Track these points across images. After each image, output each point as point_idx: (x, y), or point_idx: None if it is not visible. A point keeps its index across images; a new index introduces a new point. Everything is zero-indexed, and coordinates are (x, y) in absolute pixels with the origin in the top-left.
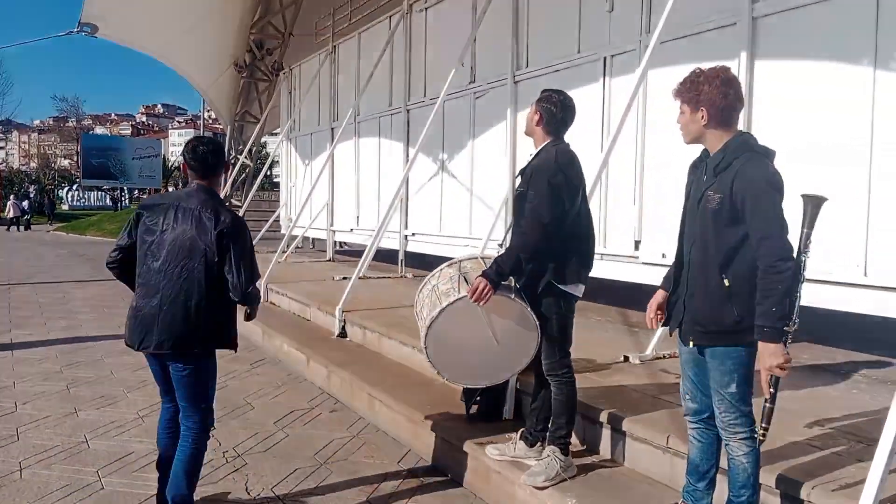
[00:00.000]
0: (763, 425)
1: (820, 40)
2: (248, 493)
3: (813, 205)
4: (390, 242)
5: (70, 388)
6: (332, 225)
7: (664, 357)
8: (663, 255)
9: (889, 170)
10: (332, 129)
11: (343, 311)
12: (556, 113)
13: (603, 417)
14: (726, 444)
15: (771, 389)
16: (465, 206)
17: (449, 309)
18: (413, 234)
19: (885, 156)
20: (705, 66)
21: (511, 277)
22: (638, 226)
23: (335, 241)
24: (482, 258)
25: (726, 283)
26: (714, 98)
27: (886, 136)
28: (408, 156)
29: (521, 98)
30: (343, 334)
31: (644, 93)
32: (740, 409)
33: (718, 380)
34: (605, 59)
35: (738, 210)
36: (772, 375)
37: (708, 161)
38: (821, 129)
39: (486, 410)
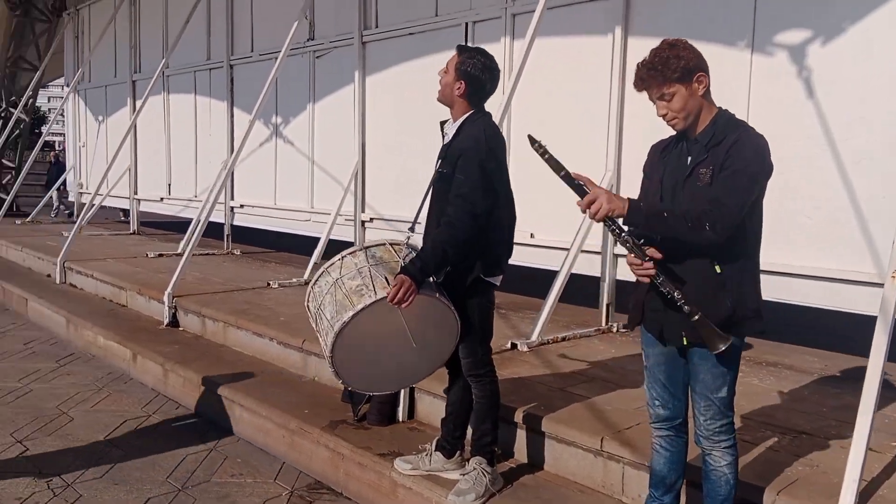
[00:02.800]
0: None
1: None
2: None
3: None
4: (213, 215)
5: None
6: (135, 193)
7: (549, 342)
8: (531, 236)
9: None
10: (134, 81)
11: (173, 297)
12: (483, 80)
13: (518, 417)
14: (708, 454)
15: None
16: (304, 177)
17: (364, 312)
18: (241, 207)
19: None
20: (579, 40)
21: None
22: None
23: (121, 210)
24: (391, 244)
25: (717, 269)
26: (702, 64)
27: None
28: (232, 117)
29: (371, 61)
30: (174, 323)
31: (510, 65)
32: (727, 414)
33: (710, 383)
34: (466, 24)
35: None
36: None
37: (694, 139)
38: None
39: (378, 412)
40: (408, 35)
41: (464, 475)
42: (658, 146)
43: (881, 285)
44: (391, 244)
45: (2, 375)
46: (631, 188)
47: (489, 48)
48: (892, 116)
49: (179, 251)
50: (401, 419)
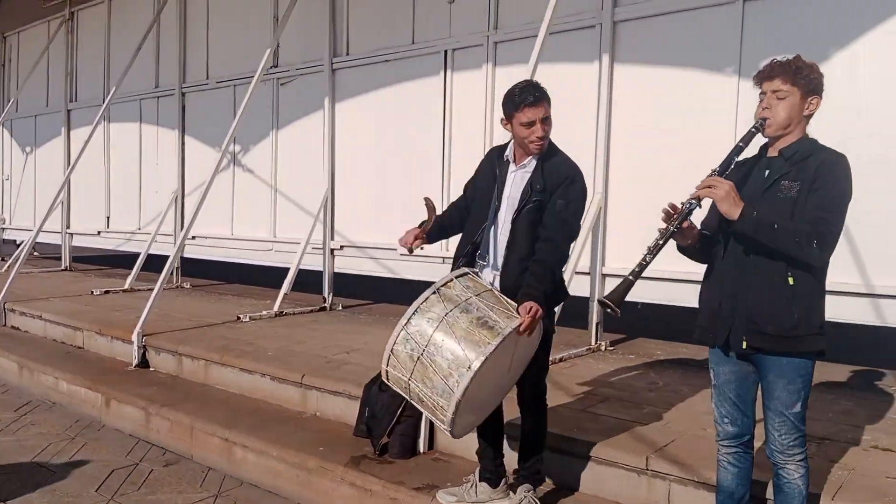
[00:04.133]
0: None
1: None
2: None
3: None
4: (156, 247)
5: None
6: (68, 227)
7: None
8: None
9: None
10: (69, 111)
11: (143, 336)
12: None
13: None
14: (781, 468)
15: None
16: (266, 206)
17: (500, 345)
18: (193, 238)
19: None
20: (564, 67)
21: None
22: None
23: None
24: (459, 277)
25: (790, 280)
26: (821, 90)
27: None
28: (183, 146)
29: (342, 88)
30: (144, 364)
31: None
32: (800, 428)
33: (785, 399)
34: (445, 52)
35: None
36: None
37: (778, 154)
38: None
39: (401, 445)
40: (382, 63)
41: None
42: (732, 161)
43: (866, 295)
44: (459, 277)
45: None
46: (619, 209)
47: (471, 76)
48: (875, 136)
49: (127, 287)
50: (422, 450)
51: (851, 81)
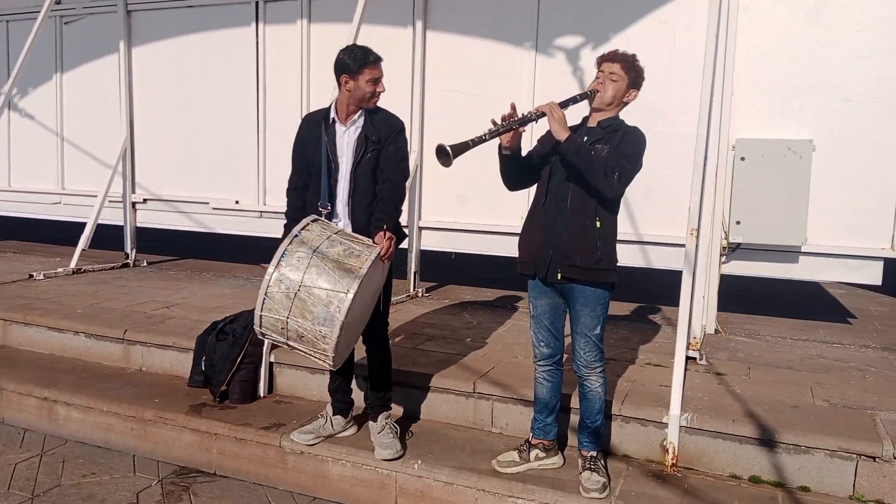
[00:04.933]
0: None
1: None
2: None
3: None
4: None
5: None
6: None
7: None
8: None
9: None
10: None
11: None
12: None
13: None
14: (585, 379)
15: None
16: (51, 155)
17: (369, 270)
18: None
19: None
20: (382, 29)
21: None
22: None
23: None
24: (312, 221)
25: (598, 224)
26: (640, 86)
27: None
28: None
29: (139, 32)
30: None
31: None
32: (600, 347)
33: (588, 324)
34: (257, 3)
35: None
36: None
37: (596, 125)
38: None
39: (241, 391)
40: (186, 8)
41: (380, 431)
42: None
43: (636, 242)
44: (313, 221)
45: None
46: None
47: (285, 29)
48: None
49: None
50: (262, 395)
51: None
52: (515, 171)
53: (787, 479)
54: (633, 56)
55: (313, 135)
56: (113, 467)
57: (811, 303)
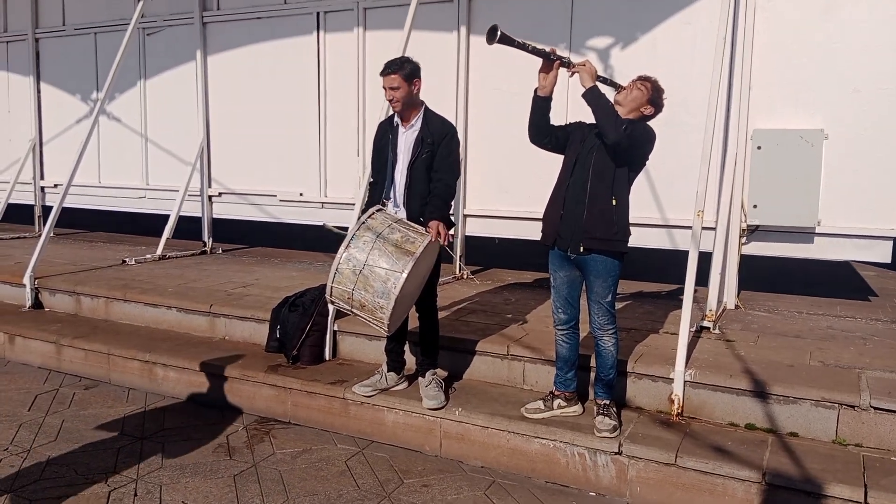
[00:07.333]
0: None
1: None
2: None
3: None
4: (16, 196)
5: None
6: None
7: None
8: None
9: None
10: None
11: (35, 278)
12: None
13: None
14: (599, 339)
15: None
16: (136, 154)
17: (423, 253)
18: (55, 186)
19: None
20: (427, 34)
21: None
22: None
23: None
24: (377, 211)
25: (614, 202)
26: (662, 105)
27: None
28: (39, 93)
29: (213, 41)
30: (37, 305)
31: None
32: (611, 312)
33: (601, 292)
34: (318, 14)
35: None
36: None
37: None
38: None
39: (311, 354)
40: (255, 19)
41: (427, 385)
42: (578, 124)
43: (663, 226)
44: (377, 211)
45: None
46: (477, 157)
47: (342, 37)
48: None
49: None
50: (327, 358)
51: (652, 59)
52: (542, 119)
53: (778, 426)
54: (655, 80)
55: (383, 137)
56: (205, 417)
57: (839, 283)
